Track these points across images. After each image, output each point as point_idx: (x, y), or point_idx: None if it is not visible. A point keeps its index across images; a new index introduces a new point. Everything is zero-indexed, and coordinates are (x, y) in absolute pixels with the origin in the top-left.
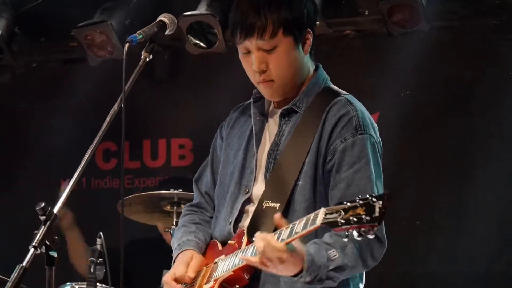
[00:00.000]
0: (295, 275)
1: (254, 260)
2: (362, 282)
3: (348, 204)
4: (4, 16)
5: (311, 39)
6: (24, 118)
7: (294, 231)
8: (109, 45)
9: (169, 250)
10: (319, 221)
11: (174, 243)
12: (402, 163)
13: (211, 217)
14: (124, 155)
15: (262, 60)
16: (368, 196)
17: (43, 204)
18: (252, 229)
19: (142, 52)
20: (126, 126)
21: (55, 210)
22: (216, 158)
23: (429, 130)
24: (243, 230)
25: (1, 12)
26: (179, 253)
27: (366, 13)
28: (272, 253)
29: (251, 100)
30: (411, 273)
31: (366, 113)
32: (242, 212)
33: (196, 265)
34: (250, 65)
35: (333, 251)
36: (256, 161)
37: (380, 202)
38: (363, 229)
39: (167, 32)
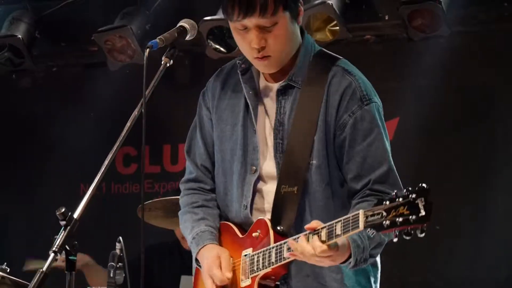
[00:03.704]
0: (342, 262)
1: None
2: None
3: (388, 203)
4: (25, 20)
5: (302, 8)
6: (44, 122)
7: (334, 233)
8: (130, 50)
9: (187, 255)
10: (361, 224)
11: (185, 233)
12: (422, 168)
13: (210, 190)
14: (144, 159)
15: (262, 38)
16: (407, 193)
17: (63, 209)
18: (275, 218)
19: (163, 57)
20: (146, 131)
21: (76, 215)
22: (206, 129)
23: (449, 135)
24: (265, 221)
25: (21, 17)
26: (200, 250)
27: (387, 18)
28: (319, 255)
29: (238, 72)
30: (431, 278)
31: (363, 77)
32: (255, 192)
33: (227, 264)
34: (247, 42)
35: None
36: (260, 139)
37: (422, 198)
38: (410, 228)
39: (187, 38)
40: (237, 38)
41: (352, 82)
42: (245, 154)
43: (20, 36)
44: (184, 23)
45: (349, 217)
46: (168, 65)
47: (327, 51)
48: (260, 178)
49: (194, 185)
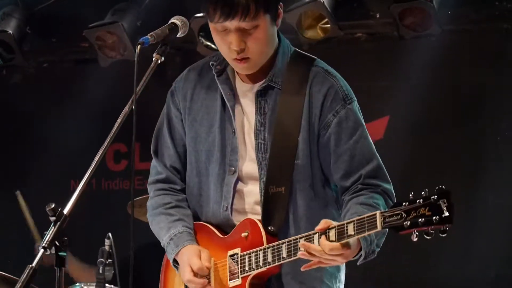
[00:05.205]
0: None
1: (317, 261)
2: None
3: (407, 204)
4: (16, 16)
5: (282, 10)
6: (35, 119)
7: (346, 233)
8: (121, 46)
9: None
10: (379, 225)
11: (160, 234)
12: (412, 167)
13: (181, 190)
14: (134, 156)
15: (242, 40)
16: (426, 194)
17: (53, 205)
18: (265, 219)
19: (154, 54)
20: (137, 127)
21: (66, 211)
22: (176, 130)
23: (439, 134)
24: (255, 221)
25: (12, 12)
26: (180, 250)
27: (378, 16)
28: (332, 254)
29: (214, 73)
30: (421, 277)
31: (342, 77)
32: (234, 193)
33: (208, 256)
34: (227, 43)
35: None
36: (239, 140)
37: (445, 200)
38: (431, 228)
39: (179, 34)
40: (217, 38)
41: (334, 82)
42: (223, 155)
43: (10, 31)
44: (175, 20)
45: (364, 218)
46: (159, 61)
47: (302, 51)
48: (239, 179)
49: (165, 186)
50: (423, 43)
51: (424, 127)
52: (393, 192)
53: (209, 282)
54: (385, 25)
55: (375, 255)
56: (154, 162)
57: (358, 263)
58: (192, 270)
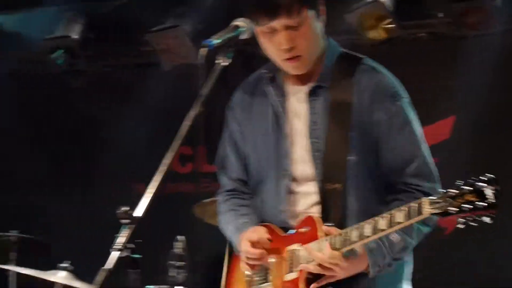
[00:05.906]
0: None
1: (313, 268)
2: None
3: (453, 190)
4: (79, 21)
5: (324, 8)
6: (98, 122)
7: (378, 228)
8: (182, 50)
9: None
10: (426, 212)
11: (227, 227)
12: (478, 166)
13: (247, 196)
14: (199, 159)
15: (291, 38)
16: (473, 181)
17: (126, 208)
18: (324, 216)
19: (218, 57)
20: (202, 130)
21: (139, 213)
22: (238, 144)
23: (504, 133)
24: (312, 217)
25: (76, 18)
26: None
27: (439, 16)
28: (328, 262)
29: (264, 81)
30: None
31: (391, 74)
32: (290, 195)
33: (266, 234)
34: (275, 44)
35: (394, 234)
36: (291, 142)
37: (491, 187)
38: (476, 215)
39: (242, 37)
40: (264, 41)
41: (382, 79)
42: (278, 159)
43: (74, 37)
44: (238, 22)
45: (410, 205)
46: (224, 64)
47: (350, 51)
48: (294, 181)
49: (235, 193)
50: (486, 42)
51: (489, 126)
52: (438, 191)
53: (266, 276)
54: (447, 24)
55: (392, 266)
56: (220, 176)
57: (370, 276)
58: (250, 241)
